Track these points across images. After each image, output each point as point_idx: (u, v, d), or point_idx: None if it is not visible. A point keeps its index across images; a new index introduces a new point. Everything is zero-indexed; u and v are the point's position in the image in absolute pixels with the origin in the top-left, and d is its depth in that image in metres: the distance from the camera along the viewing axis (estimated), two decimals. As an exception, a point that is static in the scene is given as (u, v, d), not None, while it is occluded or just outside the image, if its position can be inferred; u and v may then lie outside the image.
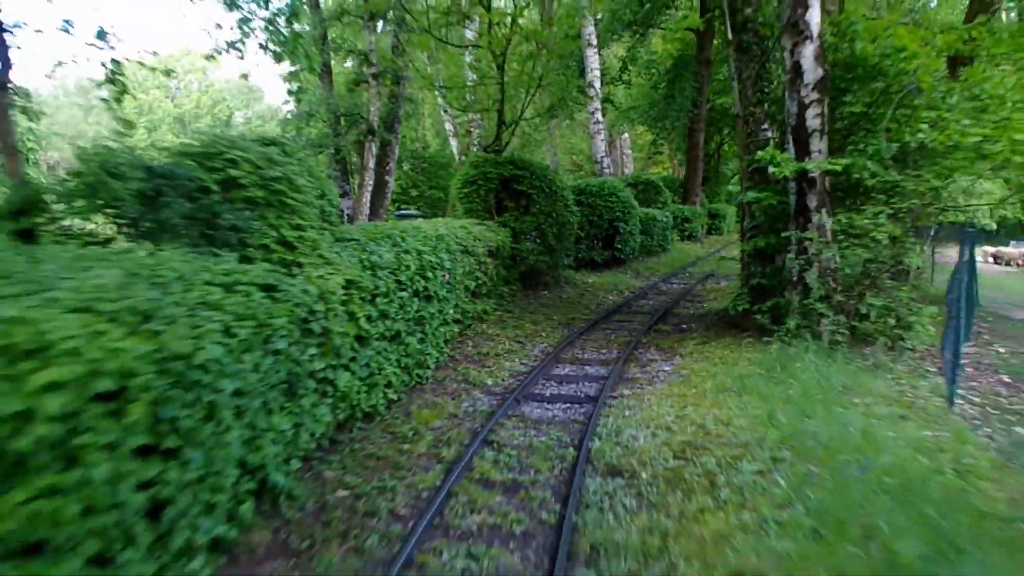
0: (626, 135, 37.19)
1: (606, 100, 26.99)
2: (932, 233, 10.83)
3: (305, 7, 18.53)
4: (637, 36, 26.06)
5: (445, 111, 27.65)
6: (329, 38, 20.49)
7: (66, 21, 9.80)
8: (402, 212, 22.57)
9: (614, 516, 4.55)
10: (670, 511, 4.55)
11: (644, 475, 5.15)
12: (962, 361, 9.70)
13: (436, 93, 21.70)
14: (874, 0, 17.12)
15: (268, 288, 4.31)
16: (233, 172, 4.89)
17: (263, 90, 71.66)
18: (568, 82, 19.13)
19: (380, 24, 20.74)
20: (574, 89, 20.11)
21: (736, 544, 4.04)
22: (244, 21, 16.55)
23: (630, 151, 38.72)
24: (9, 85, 8.42)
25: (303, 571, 3.90)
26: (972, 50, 9.89)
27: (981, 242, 14.31)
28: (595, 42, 20.34)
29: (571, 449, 5.81)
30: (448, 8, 15.30)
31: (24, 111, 10.19)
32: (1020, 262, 31.79)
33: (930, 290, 13.16)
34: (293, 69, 19.59)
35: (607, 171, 20.92)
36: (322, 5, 20.24)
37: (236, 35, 18.02)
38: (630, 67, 27.75)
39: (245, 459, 3.84)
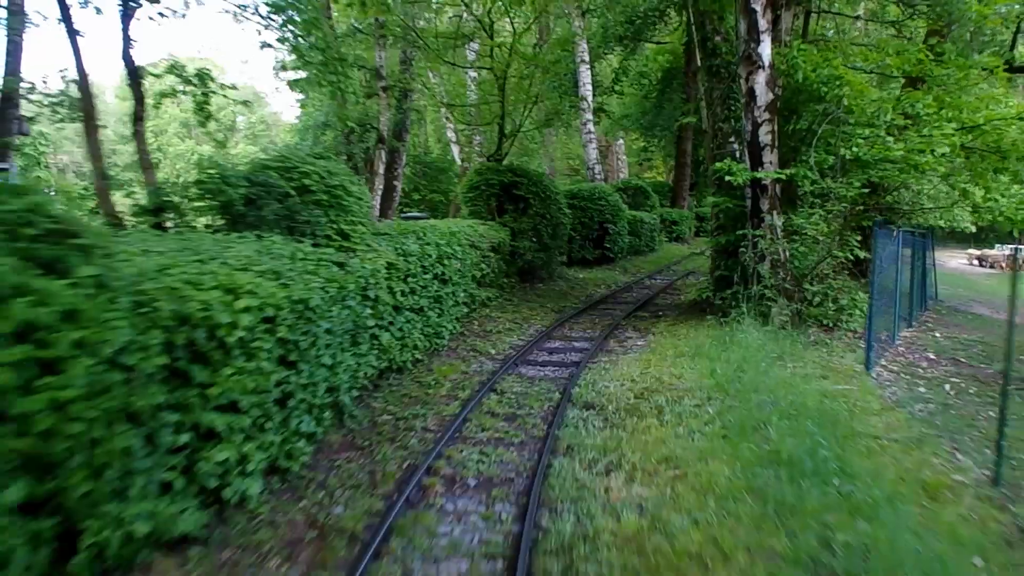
0: (621, 141, 38.91)
1: (599, 109, 28.68)
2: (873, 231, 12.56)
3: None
4: (628, 49, 27.79)
5: (447, 119, 29.40)
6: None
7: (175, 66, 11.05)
8: (407, 215, 24.27)
9: (585, 431, 6.30)
10: (626, 427, 6.30)
11: (610, 408, 6.91)
12: (897, 342, 11.45)
13: (440, 105, 23.35)
14: (837, 24, 18.77)
15: (339, 264, 6.06)
16: (306, 181, 6.64)
17: (265, 94, 73.01)
18: (562, 97, 20.95)
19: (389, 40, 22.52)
20: (567, 103, 21.93)
21: (669, 444, 5.78)
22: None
23: (624, 157, 40.47)
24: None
25: (367, 459, 5.63)
26: (920, 71, 11.54)
27: (930, 243, 15.88)
28: (587, 58, 22.12)
29: (556, 393, 7.57)
30: (454, 32, 17.06)
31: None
32: (1003, 265, 32.92)
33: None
34: (299, 77, 21.15)
35: (598, 177, 22.71)
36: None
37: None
38: (622, 78, 29.49)
39: (328, 380, 5.57)
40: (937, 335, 12.12)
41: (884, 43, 15.32)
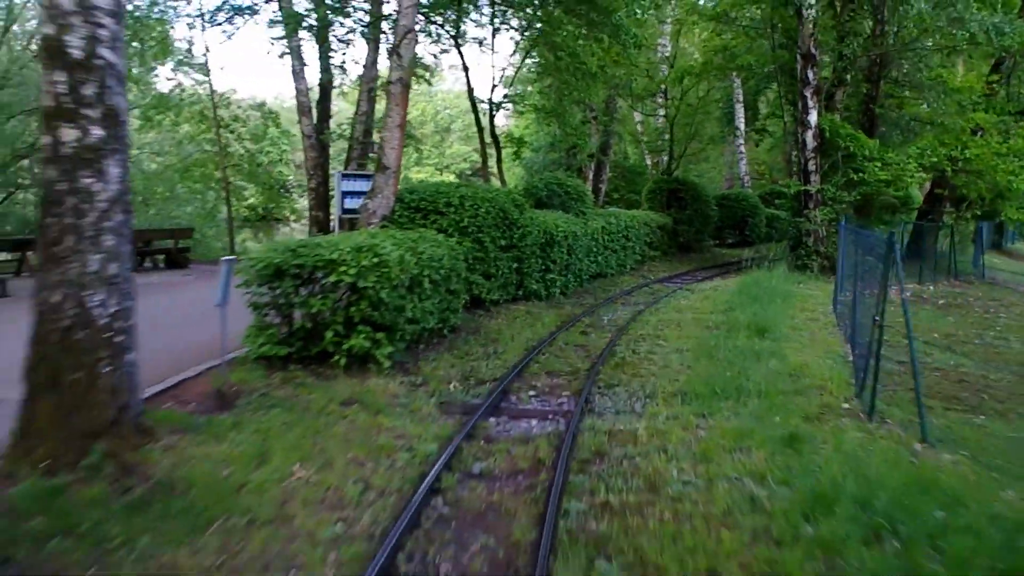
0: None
1: (763, 129, 36.02)
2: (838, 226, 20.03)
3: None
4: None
5: (641, 134, 38.33)
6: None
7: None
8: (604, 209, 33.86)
9: (675, 302, 15.32)
10: (693, 295, 15.23)
11: (693, 293, 15.85)
12: (906, 293, 18.79)
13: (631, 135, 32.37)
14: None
15: (584, 224, 15.64)
16: (568, 186, 16.25)
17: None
18: (723, 128, 29.14)
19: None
20: (725, 132, 30.08)
21: (707, 302, 14.61)
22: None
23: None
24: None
25: (485, 341, 15.05)
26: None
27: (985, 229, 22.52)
28: (742, 99, 30.04)
29: (675, 289, 16.57)
30: (645, 88, 26.12)
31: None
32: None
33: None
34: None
35: (747, 184, 30.63)
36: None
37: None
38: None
39: (582, 268, 15.13)
40: (932, 288, 19.08)
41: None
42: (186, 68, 27.20)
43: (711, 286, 16.59)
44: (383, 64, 19.48)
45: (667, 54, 26.26)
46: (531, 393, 7.53)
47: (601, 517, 4.31)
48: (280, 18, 19.17)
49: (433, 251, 8.71)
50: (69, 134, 4.67)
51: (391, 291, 7.19)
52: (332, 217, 18.00)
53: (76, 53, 4.70)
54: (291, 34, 19.12)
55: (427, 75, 24.45)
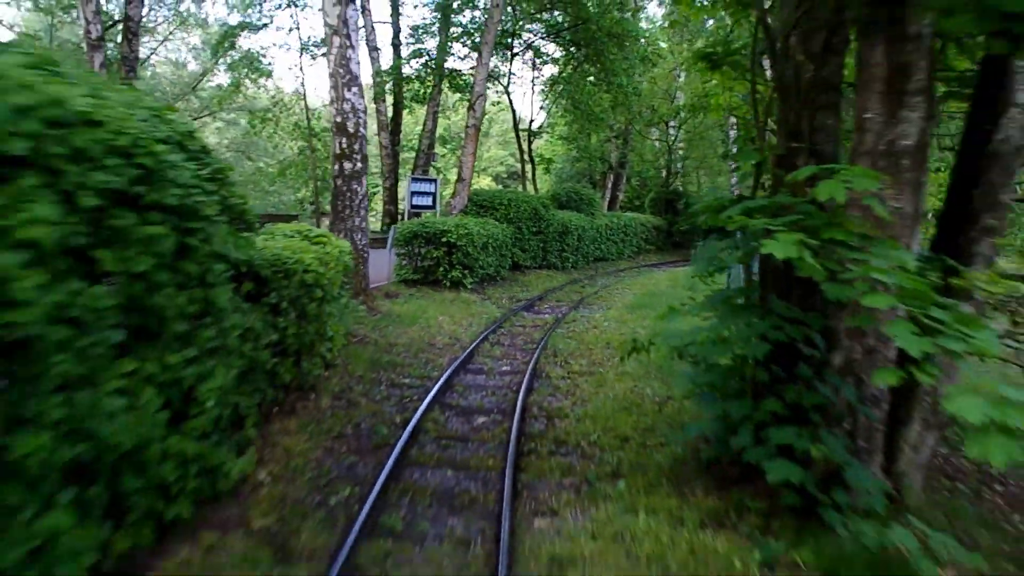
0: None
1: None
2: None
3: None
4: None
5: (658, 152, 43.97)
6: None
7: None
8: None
9: (629, 279, 21.04)
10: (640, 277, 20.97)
11: (639, 277, 21.57)
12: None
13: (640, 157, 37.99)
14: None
15: (591, 220, 21.45)
16: (582, 193, 22.05)
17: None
18: (717, 149, 34.91)
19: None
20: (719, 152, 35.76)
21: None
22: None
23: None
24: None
25: (521, 285, 20.86)
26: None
27: None
28: (735, 127, 35.58)
29: (646, 271, 22.28)
30: (649, 120, 31.74)
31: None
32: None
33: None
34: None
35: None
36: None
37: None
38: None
39: (589, 252, 20.94)
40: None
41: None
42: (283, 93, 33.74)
43: (683, 270, 22.28)
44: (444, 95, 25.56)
45: (668, 91, 31.91)
46: (545, 306, 13.46)
47: (568, 336, 10.19)
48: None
49: (492, 230, 14.64)
50: (347, 166, 10.70)
51: (472, 249, 13.16)
52: (400, 210, 23.85)
53: (350, 129, 10.72)
54: (385, 77, 25.16)
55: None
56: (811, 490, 3.82)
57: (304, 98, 32.39)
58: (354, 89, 10.60)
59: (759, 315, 4.28)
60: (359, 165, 10.73)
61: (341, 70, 10.51)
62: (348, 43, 10.53)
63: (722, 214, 3.91)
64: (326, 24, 10.58)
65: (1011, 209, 4.78)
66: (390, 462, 4.75)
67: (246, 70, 32.73)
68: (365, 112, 11.01)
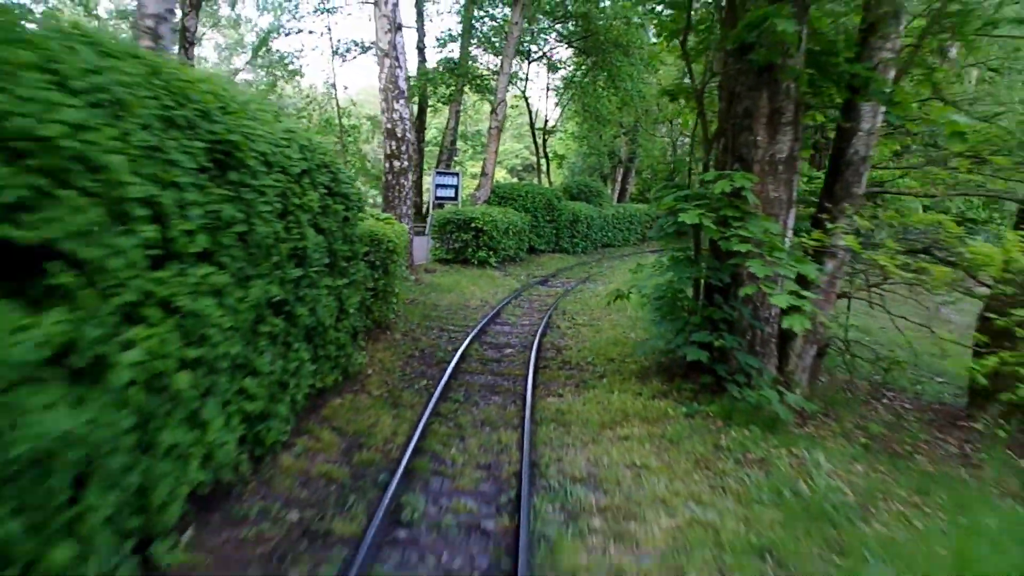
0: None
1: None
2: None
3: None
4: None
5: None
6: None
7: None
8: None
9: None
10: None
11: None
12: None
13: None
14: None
15: (599, 211, 23.66)
16: (592, 186, 24.22)
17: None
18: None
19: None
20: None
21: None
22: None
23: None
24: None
25: (537, 264, 23.09)
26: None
27: None
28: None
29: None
30: (656, 119, 33.79)
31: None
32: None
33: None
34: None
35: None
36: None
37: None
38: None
39: (597, 238, 23.15)
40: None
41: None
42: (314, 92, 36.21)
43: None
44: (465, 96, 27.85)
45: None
46: (557, 280, 15.75)
47: (575, 302, 12.46)
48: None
49: (512, 218, 16.92)
50: (396, 164, 13.02)
51: (496, 233, 15.47)
52: (424, 201, 26.08)
53: (399, 133, 13.03)
54: (413, 83, 27.38)
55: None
56: (720, 372, 6.09)
57: (335, 98, 34.95)
58: (401, 101, 12.90)
59: (693, 265, 6.55)
60: (406, 163, 13.04)
61: (391, 86, 12.81)
62: (397, 64, 12.81)
63: (663, 200, 6.17)
64: (378, 49, 12.86)
65: (863, 197, 6.93)
66: (449, 368, 7.05)
67: (280, 72, 35.49)
68: (410, 119, 13.31)
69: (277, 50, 36.77)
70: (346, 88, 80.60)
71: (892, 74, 6.44)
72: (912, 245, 6.78)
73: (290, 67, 35.15)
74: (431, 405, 5.77)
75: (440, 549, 3.53)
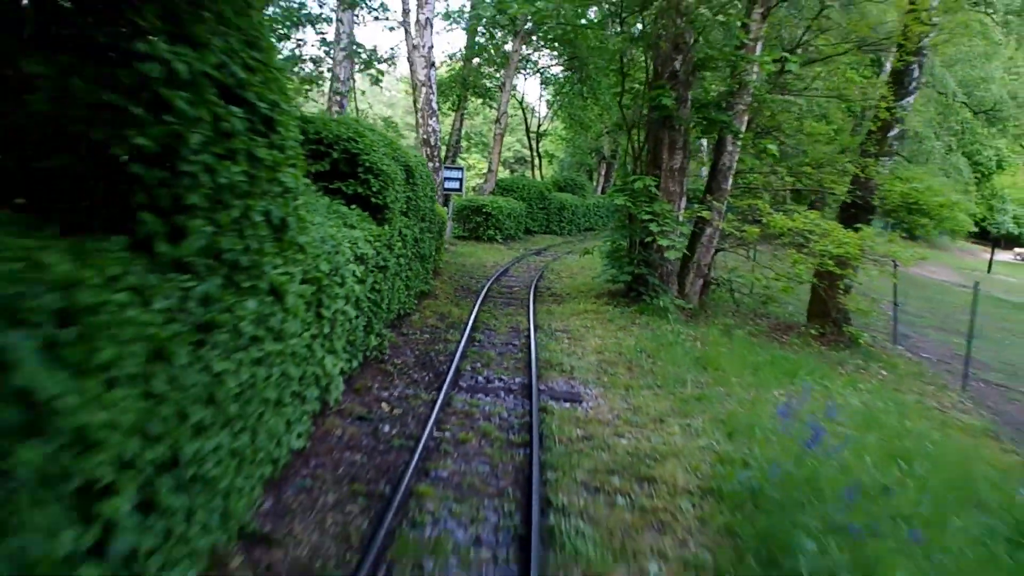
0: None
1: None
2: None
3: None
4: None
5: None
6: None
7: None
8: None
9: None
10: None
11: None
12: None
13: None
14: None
15: (584, 199, 28.02)
16: (577, 180, 28.54)
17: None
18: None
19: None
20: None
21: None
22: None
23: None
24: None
25: (532, 241, 27.49)
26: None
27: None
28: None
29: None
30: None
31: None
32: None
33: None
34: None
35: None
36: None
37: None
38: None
39: (581, 222, 27.50)
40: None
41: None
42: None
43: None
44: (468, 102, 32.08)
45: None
46: (548, 252, 20.13)
47: (559, 264, 16.86)
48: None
49: (513, 205, 21.28)
50: (429, 166, 17.34)
51: (501, 216, 19.86)
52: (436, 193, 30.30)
53: (432, 143, 17.37)
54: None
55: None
56: (640, 290, 10.53)
57: (355, 101, 39.08)
58: (434, 119, 17.20)
59: (626, 228, 10.98)
60: (436, 164, 17.36)
61: (426, 108, 17.11)
62: (431, 91, 17.10)
63: (611, 192, 10.60)
64: (415, 79, 17.13)
65: (729, 191, 11.32)
66: (481, 295, 11.40)
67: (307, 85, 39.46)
68: (439, 132, 17.61)
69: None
70: (364, 94, 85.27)
71: (746, 118, 10.87)
72: (746, 217, 11.23)
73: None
74: (477, 305, 10.15)
75: (495, 346, 7.93)
